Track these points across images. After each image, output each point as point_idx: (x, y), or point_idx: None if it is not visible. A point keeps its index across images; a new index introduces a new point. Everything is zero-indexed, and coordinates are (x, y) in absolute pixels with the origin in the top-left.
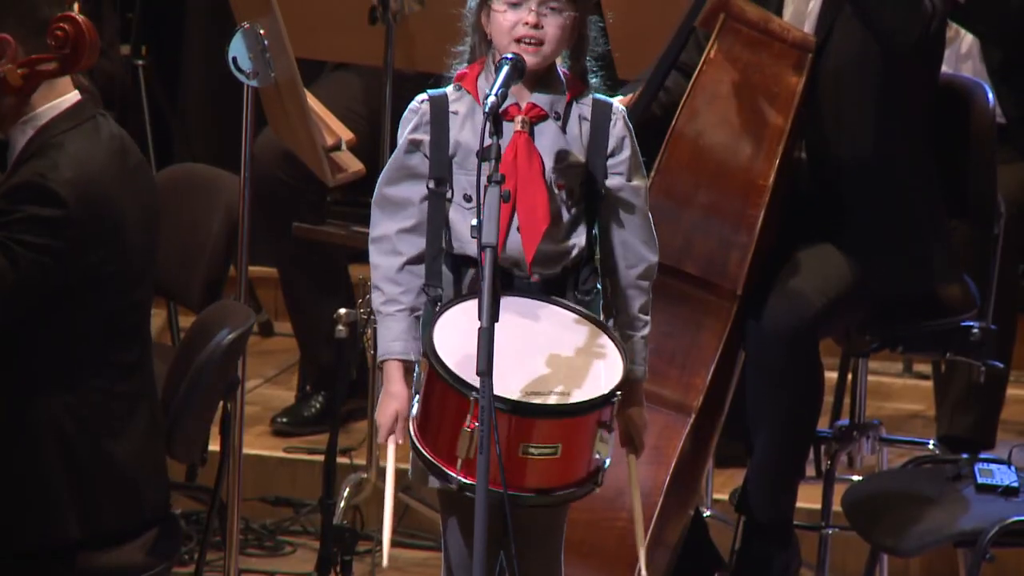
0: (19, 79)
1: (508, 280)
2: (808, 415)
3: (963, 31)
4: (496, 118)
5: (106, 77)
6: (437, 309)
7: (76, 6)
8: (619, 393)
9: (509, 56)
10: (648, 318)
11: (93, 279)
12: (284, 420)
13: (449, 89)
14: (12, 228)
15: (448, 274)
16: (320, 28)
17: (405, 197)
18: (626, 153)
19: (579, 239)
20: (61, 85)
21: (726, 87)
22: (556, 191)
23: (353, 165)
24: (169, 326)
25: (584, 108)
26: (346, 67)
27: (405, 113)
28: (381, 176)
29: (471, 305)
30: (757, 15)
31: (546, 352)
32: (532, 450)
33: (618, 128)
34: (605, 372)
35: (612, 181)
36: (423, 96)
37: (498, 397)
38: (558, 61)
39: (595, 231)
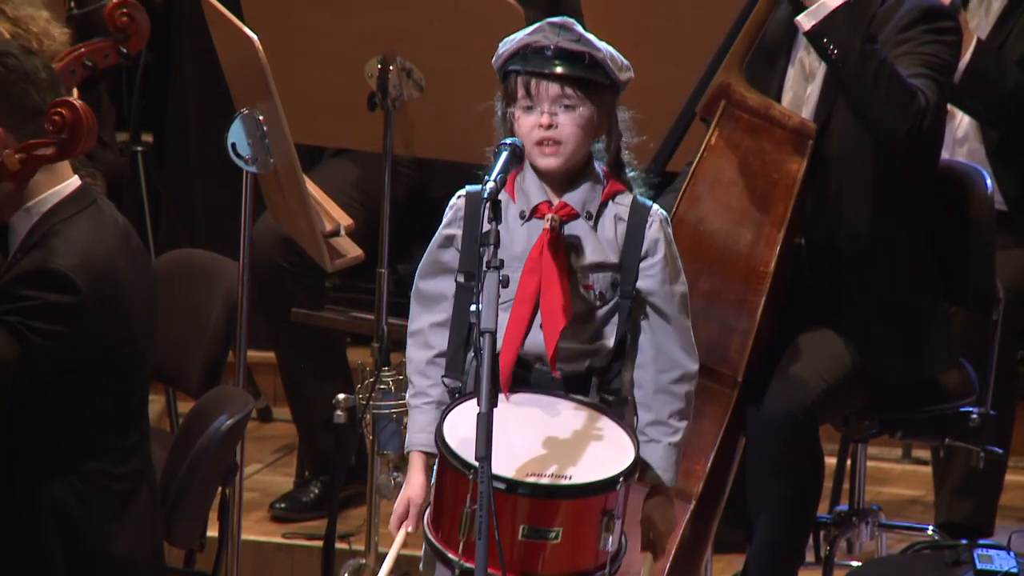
0: (17, 164)
1: (527, 374)
2: (808, 501)
3: (959, 113)
4: (495, 204)
5: (106, 168)
6: (452, 401)
7: (75, 92)
8: (622, 480)
9: (507, 142)
10: (681, 425)
11: (105, 362)
12: (282, 506)
13: None
14: (25, 314)
15: (473, 367)
16: (319, 114)
17: (439, 291)
18: (659, 256)
19: (608, 340)
20: (61, 170)
21: (727, 173)
22: (583, 291)
23: (352, 251)
24: (168, 412)
25: (621, 208)
26: (345, 153)
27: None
28: (418, 269)
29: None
30: (758, 102)
31: (555, 441)
32: (532, 533)
33: (653, 230)
34: (610, 460)
35: (643, 284)
36: (461, 192)
37: (496, 476)
38: (594, 158)
39: (627, 332)
